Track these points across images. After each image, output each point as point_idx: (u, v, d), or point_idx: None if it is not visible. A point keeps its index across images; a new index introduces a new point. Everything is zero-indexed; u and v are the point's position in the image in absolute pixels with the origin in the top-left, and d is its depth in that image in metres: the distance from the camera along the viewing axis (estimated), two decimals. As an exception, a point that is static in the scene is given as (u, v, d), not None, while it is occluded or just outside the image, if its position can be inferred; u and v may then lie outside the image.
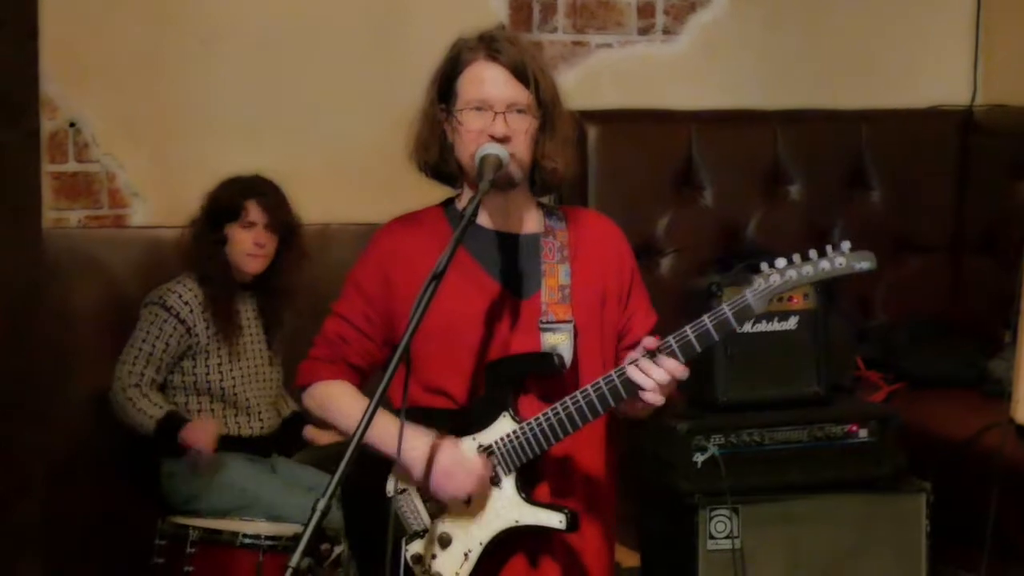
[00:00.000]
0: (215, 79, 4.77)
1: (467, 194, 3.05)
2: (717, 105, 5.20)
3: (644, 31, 5.13)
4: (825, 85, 5.31)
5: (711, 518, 3.99)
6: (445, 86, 3.01)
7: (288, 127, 4.82)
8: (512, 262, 3.03)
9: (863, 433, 4.12)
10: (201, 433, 4.25)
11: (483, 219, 3.04)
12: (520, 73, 2.96)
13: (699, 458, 4.01)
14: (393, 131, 5.13)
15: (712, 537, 4.00)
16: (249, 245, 4.41)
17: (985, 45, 5.42)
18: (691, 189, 5.14)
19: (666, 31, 5.16)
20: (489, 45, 2.97)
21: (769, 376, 4.08)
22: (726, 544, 3.98)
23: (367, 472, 2.92)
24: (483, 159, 2.93)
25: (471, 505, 2.94)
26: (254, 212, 4.40)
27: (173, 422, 4.27)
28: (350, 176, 4.88)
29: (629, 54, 5.03)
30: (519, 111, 2.95)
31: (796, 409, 4.13)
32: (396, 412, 2.90)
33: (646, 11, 5.12)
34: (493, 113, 2.93)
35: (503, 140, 2.92)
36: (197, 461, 4.24)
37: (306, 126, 4.86)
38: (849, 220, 5.28)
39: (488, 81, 2.95)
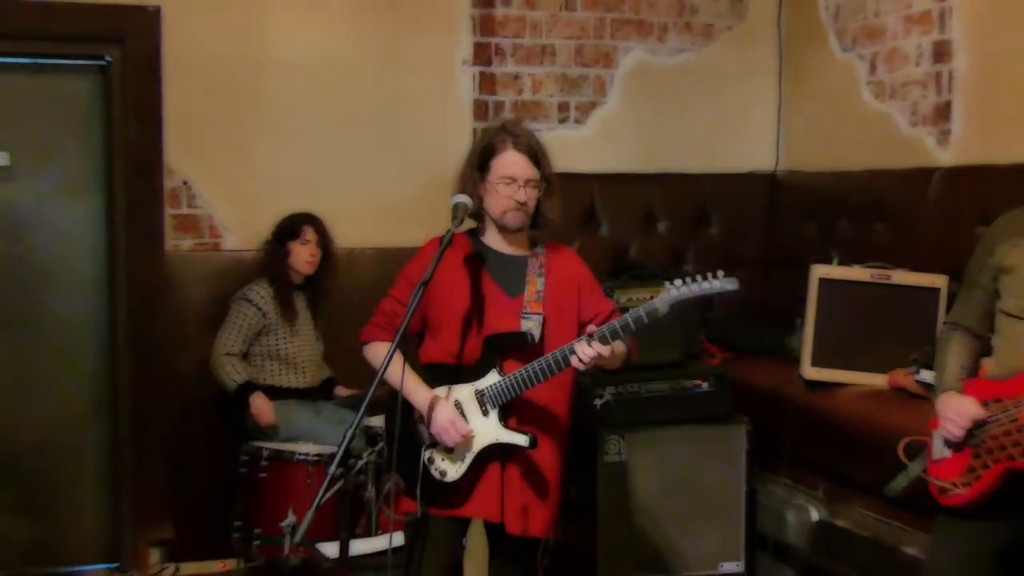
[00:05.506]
0: (279, 148, 4.71)
1: (489, 229, 3.08)
2: (611, 169, 5.11)
3: (562, 120, 5.07)
4: (682, 155, 5.21)
5: (606, 441, 3.99)
6: (482, 161, 3.04)
7: (328, 179, 4.74)
8: (508, 272, 3.08)
9: (705, 386, 4.14)
10: (259, 412, 4.25)
11: (494, 243, 3.09)
12: (534, 158, 3.03)
13: (598, 402, 4.04)
14: (400, 182, 5.08)
15: (606, 454, 3.99)
16: (306, 255, 4.45)
17: (784, 128, 5.26)
18: (593, 226, 5.11)
19: (576, 120, 5.08)
20: (515, 139, 3.02)
21: (646, 347, 4.04)
22: (617, 459, 3.99)
23: (408, 410, 3.01)
24: (455, 206, 2.96)
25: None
26: (308, 233, 4.47)
27: (247, 390, 4.28)
28: (371, 213, 4.80)
29: (553, 135, 4.92)
30: (533, 183, 3.02)
31: (663, 369, 4.15)
32: (421, 368, 3.02)
33: (563, 108, 5.05)
34: (517, 185, 2.99)
35: (523, 204, 2.99)
36: (258, 421, 4.30)
37: (340, 178, 4.76)
38: (697, 245, 5.22)
39: (516, 164, 3.00)
